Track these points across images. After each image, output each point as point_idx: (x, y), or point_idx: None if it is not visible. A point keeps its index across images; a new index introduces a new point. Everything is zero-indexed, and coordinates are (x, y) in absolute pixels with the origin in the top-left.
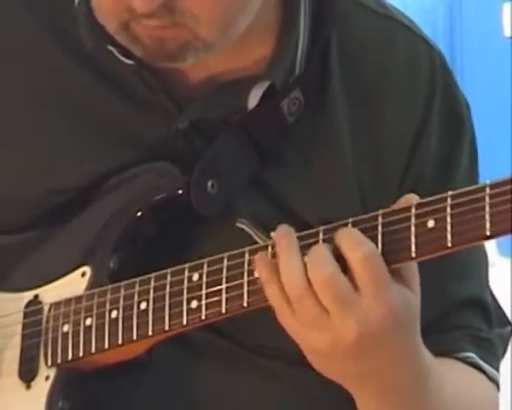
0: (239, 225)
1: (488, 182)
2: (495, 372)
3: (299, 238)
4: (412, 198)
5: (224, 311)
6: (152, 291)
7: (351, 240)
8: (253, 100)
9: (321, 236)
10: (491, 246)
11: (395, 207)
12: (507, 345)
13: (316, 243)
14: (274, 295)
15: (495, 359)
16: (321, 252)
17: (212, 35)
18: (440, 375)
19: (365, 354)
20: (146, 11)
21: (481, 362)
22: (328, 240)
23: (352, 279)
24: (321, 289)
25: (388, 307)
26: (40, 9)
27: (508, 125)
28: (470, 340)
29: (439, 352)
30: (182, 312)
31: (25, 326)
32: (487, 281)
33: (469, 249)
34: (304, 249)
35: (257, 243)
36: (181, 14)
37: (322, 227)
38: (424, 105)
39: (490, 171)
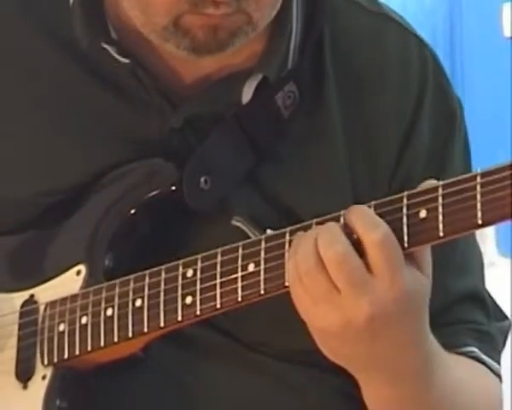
0: (234, 222)
1: (479, 170)
2: (497, 365)
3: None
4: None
5: (218, 306)
6: (147, 288)
7: (366, 221)
8: (247, 94)
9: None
10: (490, 246)
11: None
12: (506, 338)
13: None
14: (288, 270)
15: (496, 352)
16: (333, 230)
17: (263, 17)
18: (446, 364)
19: (376, 337)
20: None
21: (483, 356)
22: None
23: (366, 261)
24: (333, 267)
25: (401, 290)
26: (35, 10)
27: (508, 125)
28: (471, 334)
29: (441, 346)
30: (177, 308)
31: (21, 326)
32: (483, 276)
33: (465, 244)
34: None
35: None
36: None
37: (313, 220)
38: (415, 102)
39: None
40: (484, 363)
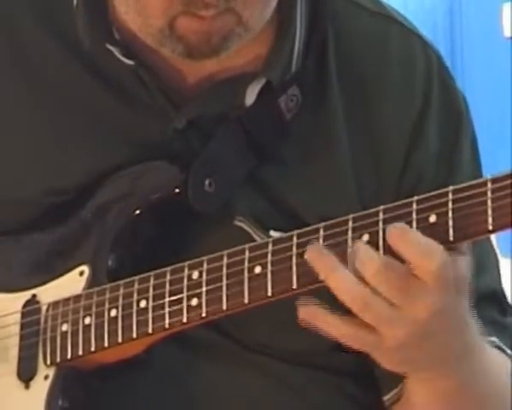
0: (237, 223)
1: (489, 176)
2: None
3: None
4: None
5: (224, 308)
6: (151, 289)
7: (410, 243)
8: (250, 97)
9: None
10: None
11: None
12: None
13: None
14: (345, 333)
15: None
16: (363, 249)
17: (253, 16)
18: (487, 347)
19: (439, 330)
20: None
21: (503, 346)
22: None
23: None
24: (376, 281)
25: (448, 279)
26: (41, 10)
27: (508, 125)
28: (490, 326)
29: None
30: (182, 309)
31: (23, 326)
32: (499, 274)
33: (481, 245)
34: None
35: (255, 240)
36: None
37: (321, 224)
38: (421, 102)
39: (490, 171)
40: (506, 353)
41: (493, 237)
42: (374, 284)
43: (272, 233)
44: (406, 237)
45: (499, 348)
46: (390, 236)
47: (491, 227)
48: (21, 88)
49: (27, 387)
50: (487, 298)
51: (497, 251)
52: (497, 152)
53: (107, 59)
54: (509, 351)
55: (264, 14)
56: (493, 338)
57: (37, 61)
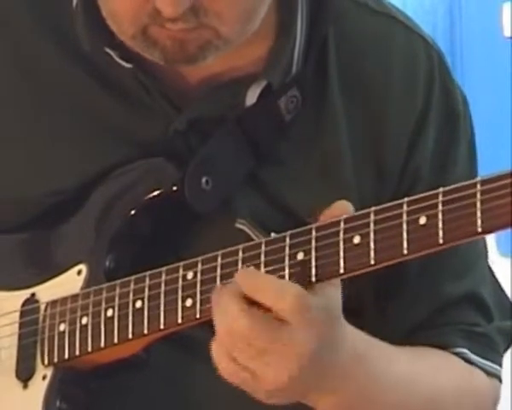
0: (238, 225)
1: (479, 178)
2: (492, 365)
3: (292, 236)
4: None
5: None
6: (147, 289)
7: (250, 282)
8: (251, 98)
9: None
10: (490, 246)
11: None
12: (509, 338)
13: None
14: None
15: (493, 352)
16: (233, 307)
17: (233, 32)
18: (390, 355)
19: (315, 365)
20: (173, 15)
21: (473, 356)
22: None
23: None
24: (249, 337)
25: (316, 318)
26: (40, 10)
27: (508, 125)
28: (462, 335)
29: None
30: (176, 310)
31: (21, 325)
32: (485, 275)
33: (466, 245)
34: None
35: None
36: (205, 14)
37: (313, 225)
38: (423, 103)
39: (490, 171)
40: (474, 364)
41: (493, 237)
42: (247, 339)
43: (273, 235)
44: (257, 283)
45: (467, 360)
46: (243, 286)
47: (480, 229)
48: (21, 89)
49: (26, 387)
50: (465, 302)
51: (497, 251)
52: (497, 152)
53: (107, 61)
54: (482, 362)
55: (247, 28)
56: (463, 349)
57: (37, 62)
